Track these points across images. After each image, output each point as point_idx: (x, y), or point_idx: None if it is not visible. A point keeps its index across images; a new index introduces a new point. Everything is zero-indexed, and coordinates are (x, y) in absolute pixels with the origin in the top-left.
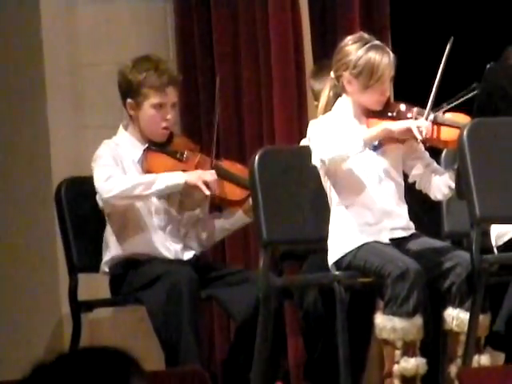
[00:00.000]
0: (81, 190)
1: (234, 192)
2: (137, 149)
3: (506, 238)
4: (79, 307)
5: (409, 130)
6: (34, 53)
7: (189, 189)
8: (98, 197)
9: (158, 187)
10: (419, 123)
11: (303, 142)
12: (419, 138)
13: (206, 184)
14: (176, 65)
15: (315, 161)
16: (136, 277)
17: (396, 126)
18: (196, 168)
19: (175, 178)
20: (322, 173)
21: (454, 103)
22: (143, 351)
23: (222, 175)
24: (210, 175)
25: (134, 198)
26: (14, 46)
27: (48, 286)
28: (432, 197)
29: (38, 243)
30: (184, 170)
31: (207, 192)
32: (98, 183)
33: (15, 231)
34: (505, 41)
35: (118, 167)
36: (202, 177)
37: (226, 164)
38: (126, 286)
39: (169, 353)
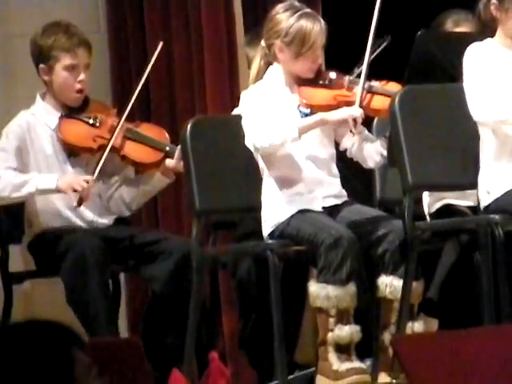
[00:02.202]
0: None
1: (148, 155)
2: (52, 116)
3: (438, 205)
4: (10, 279)
5: (344, 121)
6: None
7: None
8: None
9: (28, 190)
10: (354, 113)
11: (236, 111)
12: (354, 130)
13: (77, 191)
14: (107, 36)
15: (248, 143)
16: (51, 249)
17: (332, 116)
18: (109, 132)
19: (47, 182)
20: (246, 144)
21: (367, 61)
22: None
23: (135, 138)
24: (84, 183)
25: (3, 198)
26: None
27: None
28: (364, 165)
29: None
30: (97, 136)
31: (75, 204)
32: None
33: None
34: (436, 8)
35: (16, 153)
36: (72, 185)
37: (142, 127)
38: (47, 257)
39: (85, 324)
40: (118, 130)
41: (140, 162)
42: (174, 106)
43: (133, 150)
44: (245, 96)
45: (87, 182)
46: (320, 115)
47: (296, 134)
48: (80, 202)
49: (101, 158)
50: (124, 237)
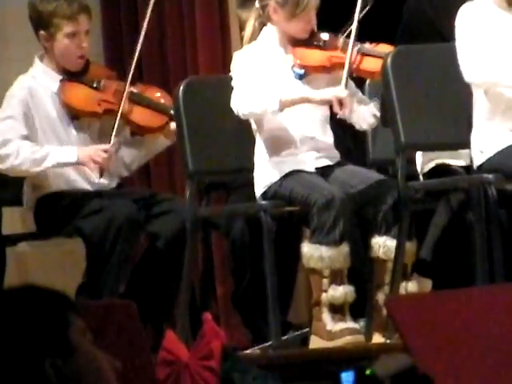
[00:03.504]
0: None
1: (153, 118)
2: (53, 80)
3: (431, 165)
4: (3, 241)
5: (329, 102)
6: None
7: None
8: None
9: (47, 164)
10: (340, 94)
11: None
12: (339, 112)
13: (98, 163)
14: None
15: (232, 106)
16: (70, 209)
17: (317, 95)
18: (113, 96)
19: (67, 156)
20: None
21: (354, 23)
22: (70, 285)
23: (141, 102)
24: (103, 153)
25: (23, 172)
26: None
27: None
28: (357, 126)
29: None
30: (101, 100)
31: (97, 176)
32: None
33: None
34: None
35: (25, 111)
36: (93, 157)
37: (144, 89)
38: (55, 219)
39: (90, 282)
40: (125, 95)
41: (146, 126)
42: (166, 67)
43: (138, 114)
44: (237, 56)
45: (106, 152)
46: (305, 93)
47: (277, 107)
48: (101, 174)
49: (114, 125)
50: (135, 196)
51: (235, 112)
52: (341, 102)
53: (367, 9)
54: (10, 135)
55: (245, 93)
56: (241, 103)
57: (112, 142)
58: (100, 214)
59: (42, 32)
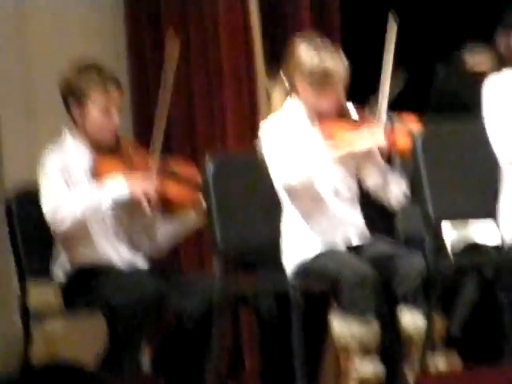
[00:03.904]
0: (32, 199)
1: (185, 195)
2: (83, 153)
3: (461, 243)
4: (29, 317)
5: (370, 151)
6: None
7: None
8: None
9: (106, 205)
10: (379, 140)
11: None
12: (379, 158)
13: (148, 196)
14: (127, 75)
15: (279, 185)
16: (97, 285)
17: (359, 146)
18: (144, 170)
19: (119, 191)
20: (276, 183)
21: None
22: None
23: (173, 178)
24: (151, 183)
25: (85, 221)
26: None
27: (2, 296)
28: (386, 203)
29: None
30: (130, 173)
31: (148, 212)
32: (48, 215)
33: None
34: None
35: (65, 179)
36: (144, 189)
37: (174, 165)
38: (84, 295)
39: (111, 356)
40: (155, 168)
41: (178, 202)
42: (195, 140)
43: (170, 190)
44: (265, 128)
45: (151, 182)
46: (348, 148)
47: (328, 161)
48: (151, 208)
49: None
50: (160, 276)
51: (284, 186)
52: (379, 146)
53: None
54: (58, 201)
55: (288, 164)
56: (289, 175)
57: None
58: (126, 292)
59: (73, 106)
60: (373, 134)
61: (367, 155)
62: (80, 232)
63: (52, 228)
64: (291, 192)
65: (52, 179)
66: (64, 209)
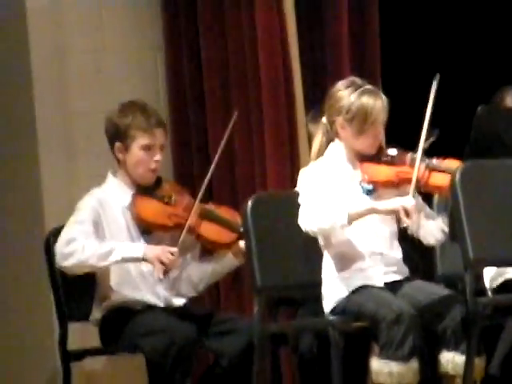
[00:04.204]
0: None
1: (222, 235)
2: (125, 194)
3: (499, 280)
4: (69, 357)
5: (395, 212)
6: (25, 102)
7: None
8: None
9: (114, 259)
10: (406, 204)
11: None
12: (406, 222)
13: (163, 263)
14: (167, 114)
15: (300, 224)
16: (133, 326)
17: (383, 206)
18: (184, 211)
19: (133, 251)
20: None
21: (422, 142)
22: None
23: (211, 218)
24: (170, 255)
25: (89, 267)
26: (4, 94)
27: (42, 336)
28: (425, 242)
29: (32, 293)
30: (172, 215)
31: (161, 275)
32: (58, 245)
33: (8, 281)
34: (493, 84)
35: (95, 219)
36: (159, 256)
37: (214, 207)
38: (119, 335)
39: None
40: (195, 208)
41: (215, 242)
42: (235, 183)
43: (208, 230)
44: (303, 174)
45: (172, 254)
46: (371, 204)
47: (345, 221)
48: (165, 273)
49: (180, 234)
50: (198, 316)
51: (303, 229)
52: (407, 212)
53: (433, 138)
54: (76, 235)
55: (312, 209)
56: (309, 220)
57: (178, 247)
58: (160, 335)
59: (117, 144)
60: (401, 199)
61: (403, 190)
62: (117, 269)
63: (56, 261)
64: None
65: (80, 214)
66: (77, 244)
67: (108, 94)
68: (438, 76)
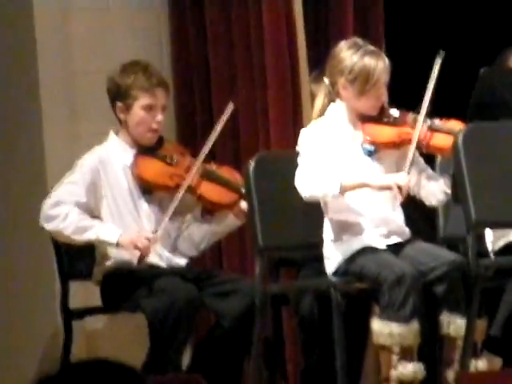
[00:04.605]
0: None
1: (224, 195)
2: (127, 153)
3: (501, 243)
4: (70, 315)
5: (389, 188)
6: (28, 61)
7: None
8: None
9: (88, 236)
10: (400, 181)
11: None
12: (399, 198)
13: (138, 249)
14: (171, 72)
15: (296, 185)
16: (135, 286)
17: (375, 182)
18: (185, 172)
19: (109, 234)
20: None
21: (427, 101)
22: (139, 359)
23: (212, 178)
24: (146, 241)
25: (64, 237)
26: (7, 53)
27: (44, 294)
28: (426, 203)
29: (34, 251)
30: (173, 175)
31: (135, 262)
32: (45, 205)
33: (10, 240)
34: (498, 44)
35: (93, 179)
36: (134, 242)
37: (215, 167)
38: (121, 295)
39: (154, 359)
40: (195, 169)
41: (216, 202)
42: (238, 143)
43: (209, 190)
44: (304, 133)
45: (149, 240)
46: (363, 179)
47: (337, 191)
48: (140, 260)
49: (176, 197)
50: (200, 276)
51: (299, 192)
52: (400, 189)
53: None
54: (65, 198)
55: (307, 175)
56: (303, 185)
57: (161, 228)
58: (161, 296)
59: (118, 103)
60: (396, 176)
61: (405, 152)
62: (120, 225)
63: (40, 217)
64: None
65: (76, 175)
66: (61, 209)
67: (111, 53)
68: (442, 53)
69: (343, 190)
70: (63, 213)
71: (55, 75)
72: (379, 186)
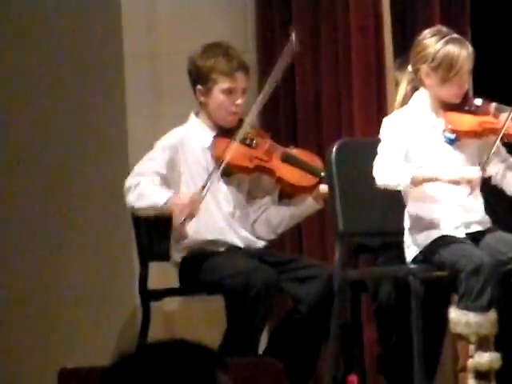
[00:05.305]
0: None
1: (303, 178)
2: (207, 135)
3: None
4: (148, 296)
5: (458, 183)
6: (113, 41)
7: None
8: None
9: (146, 202)
10: (471, 176)
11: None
12: (468, 192)
13: (186, 208)
14: (255, 55)
15: (373, 172)
16: (213, 268)
17: (448, 176)
18: (266, 154)
19: (160, 197)
20: None
21: None
22: (216, 341)
23: (292, 162)
24: (192, 200)
25: (134, 209)
26: (93, 34)
27: (124, 276)
28: (508, 192)
29: (115, 233)
30: (252, 157)
31: (177, 220)
32: (128, 182)
33: (91, 222)
34: None
35: (171, 157)
36: (182, 201)
37: (295, 151)
38: (199, 277)
39: (230, 342)
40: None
41: (295, 185)
42: (321, 130)
43: (289, 173)
44: (386, 122)
45: (195, 199)
46: (435, 173)
47: (408, 183)
48: (186, 218)
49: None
50: (279, 260)
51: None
52: (471, 183)
53: None
54: (143, 171)
55: (384, 164)
56: (378, 173)
57: (207, 186)
58: (240, 277)
59: (199, 86)
60: (468, 170)
61: (486, 140)
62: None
63: (124, 191)
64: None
65: (155, 152)
66: (134, 180)
67: (196, 35)
68: None
69: (414, 183)
70: (135, 183)
71: (140, 56)
72: (449, 180)
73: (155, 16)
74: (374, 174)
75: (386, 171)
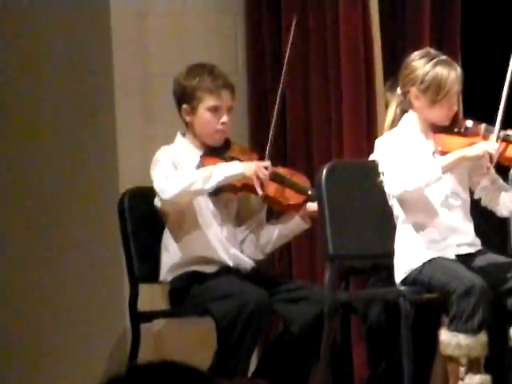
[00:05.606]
0: (144, 200)
1: (290, 197)
2: (194, 155)
3: None
4: (138, 318)
5: (483, 157)
6: (104, 63)
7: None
8: (156, 200)
9: (216, 180)
10: (491, 149)
11: (372, 157)
12: (489, 165)
13: (261, 182)
14: (246, 76)
15: (392, 190)
16: (204, 290)
17: (472, 152)
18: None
19: (233, 169)
20: (387, 190)
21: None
22: (205, 363)
23: (279, 180)
24: (264, 170)
25: (194, 193)
26: (84, 55)
27: (114, 297)
28: (498, 213)
29: (105, 254)
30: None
31: (260, 192)
32: (158, 183)
33: (82, 241)
34: None
35: (176, 170)
36: (256, 172)
37: (282, 170)
38: (189, 299)
39: (220, 363)
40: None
41: (282, 203)
42: (311, 152)
43: (276, 191)
44: (380, 143)
45: (266, 168)
46: (460, 152)
47: (440, 174)
48: (263, 189)
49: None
50: (269, 282)
51: (394, 195)
52: (491, 157)
53: None
54: (169, 172)
55: (403, 172)
56: (402, 183)
57: (267, 156)
58: (230, 299)
59: (184, 106)
60: (485, 143)
61: (476, 162)
62: (189, 225)
63: (161, 197)
64: (404, 202)
65: (163, 163)
66: (174, 177)
67: (187, 56)
68: None
69: (445, 171)
70: (178, 178)
71: (131, 78)
72: (476, 156)
73: (146, 39)
74: (396, 187)
75: (411, 175)
